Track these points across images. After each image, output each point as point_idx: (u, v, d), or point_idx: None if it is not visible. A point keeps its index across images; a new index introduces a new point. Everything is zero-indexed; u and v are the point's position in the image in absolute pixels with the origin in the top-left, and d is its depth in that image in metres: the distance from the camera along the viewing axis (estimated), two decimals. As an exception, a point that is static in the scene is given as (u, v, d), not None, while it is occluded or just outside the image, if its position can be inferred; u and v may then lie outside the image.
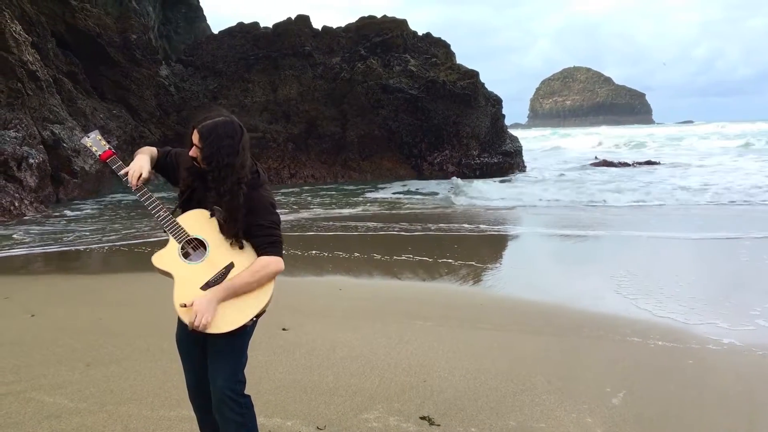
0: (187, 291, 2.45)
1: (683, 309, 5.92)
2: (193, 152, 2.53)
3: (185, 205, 2.62)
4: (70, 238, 11.08)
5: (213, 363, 2.56)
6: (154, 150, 2.77)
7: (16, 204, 13.70)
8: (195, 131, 2.51)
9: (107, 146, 2.66)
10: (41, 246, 10.28)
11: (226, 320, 2.43)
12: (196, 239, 2.51)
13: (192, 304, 2.39)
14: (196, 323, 2.37)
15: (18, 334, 5.21)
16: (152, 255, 2.53)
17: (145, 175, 2.60)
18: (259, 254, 2.52)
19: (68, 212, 14.67)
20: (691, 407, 3.82)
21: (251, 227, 2.51)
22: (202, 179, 2.57)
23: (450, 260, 8.46)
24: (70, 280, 7.87)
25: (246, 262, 2.50)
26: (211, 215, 2.53)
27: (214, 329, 2.42)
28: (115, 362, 4.52)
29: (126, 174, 2.60)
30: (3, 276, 8.14)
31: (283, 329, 5.27)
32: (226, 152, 2.47)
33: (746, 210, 13.63)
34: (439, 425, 3.52)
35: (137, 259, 9.11)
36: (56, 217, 13.87)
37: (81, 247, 10.19)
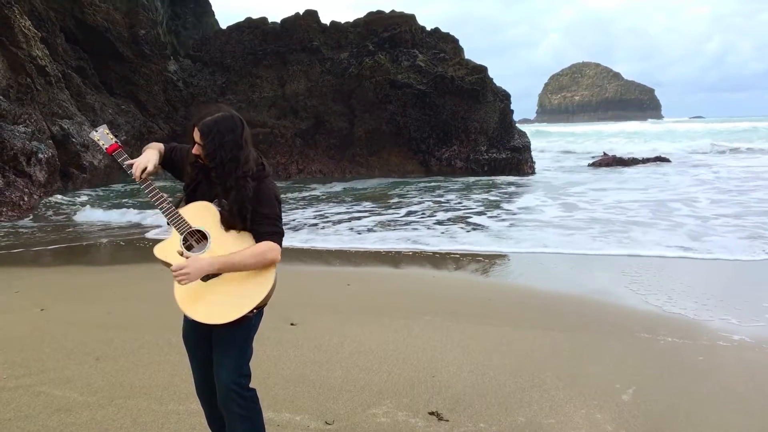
0: None
1: (693, 305, 5.88)
2: (196, 150, 2.54)
3: (190, 198, 2.64)
4: (79, 231, 11.13)
5: (217, 357, 2.56)
6: (161, 145, 2.80)
7: (26, 199, 13.77)
8: (195, 129, 2.52)
9: (114, 140, 2.74)
10: (51, 240, 10.33)
11: (225, 310, 2.43)
12: (198, 231, 2.52)
13: (187, 258, 2.42)
14: (177, 274, 2.38)
15: (28, 328, 5.24)
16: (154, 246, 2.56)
17: (150, 168, 2.62)
18: (259, 241, 2.50)
19: (78, 203, 14.73)
20: (702, 404, 3.79)
21: (255, 215, 2.50)
22: (206, 175, 2.59)
23: (457, 255, 8.44)
24: (79, 273, 7.91)
25: None
26: (215, 202, 2.55)
27: (214, 319, 2.43)
28: (125, 356, 4.54)
29: (131, 167, 2.63)
30: (13, 270, 8.19)
31: (291, 324, 5.27)
32: (229, 147, 2.48)
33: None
34: (447, 420, 3.51)
35: (146, 252, 9.14)
36: (65, 207, 13.93)
37: (90, 242, 10.23)
